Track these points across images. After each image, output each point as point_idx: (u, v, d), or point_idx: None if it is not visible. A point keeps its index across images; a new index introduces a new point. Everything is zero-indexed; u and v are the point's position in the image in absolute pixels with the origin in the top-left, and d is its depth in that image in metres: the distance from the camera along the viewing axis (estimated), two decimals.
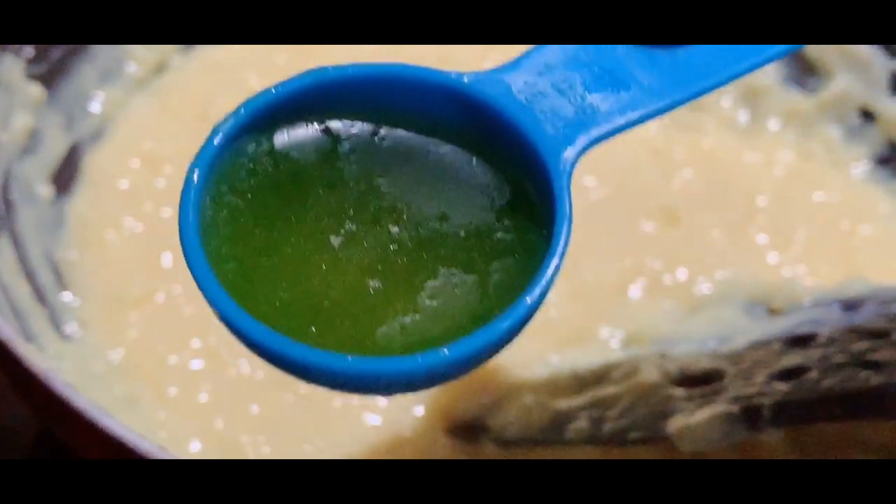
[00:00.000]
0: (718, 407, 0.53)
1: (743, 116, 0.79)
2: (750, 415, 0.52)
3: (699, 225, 0.72)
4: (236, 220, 0.38)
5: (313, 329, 0.37)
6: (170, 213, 0.69)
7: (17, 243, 0.64)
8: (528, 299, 0.36)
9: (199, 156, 0.38)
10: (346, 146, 0.40)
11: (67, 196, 0.69)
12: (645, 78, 0.40)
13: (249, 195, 0.39)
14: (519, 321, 0.36)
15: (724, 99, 0.79)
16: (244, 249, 0.38)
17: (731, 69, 0.42)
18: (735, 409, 0.52)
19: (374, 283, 0.38)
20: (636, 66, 0.41)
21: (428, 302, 0.37)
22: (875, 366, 0.52)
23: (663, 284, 0.68)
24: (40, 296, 0.64)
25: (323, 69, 0.40)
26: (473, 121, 0.40)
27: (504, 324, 0.36)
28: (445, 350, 0.35)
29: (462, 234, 0.39)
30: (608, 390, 0.58)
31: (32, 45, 0.69)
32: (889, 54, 0.77)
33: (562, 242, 0.37)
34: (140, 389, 0.61)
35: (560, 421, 0.59)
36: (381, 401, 0.62)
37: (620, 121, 0.40)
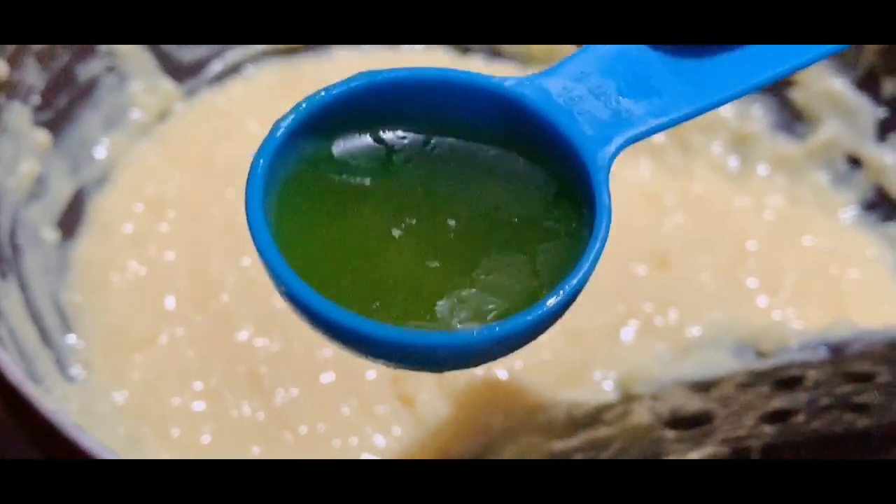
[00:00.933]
0: (708, 449, 0.54)
1: (733, 162, 0.81)
2: (739, 456, 0.53)
3: (690, 268, 0.73)
4: (303, 213, 0.41)
5: (375, 306, 0.39)
6: (173, 256, 0.70)
7: (23, 286, 0.65)
8: (573, 281, 0.39)
9: (262, 148, 0.41)
10: (400, 156, 0.43)
11: (72, 240, 0.70)
12: (676, 84, 0.43)
13: (315, 194, 0.42)
14: (564, 301, 0.39)
15: (715, 145, 0.81)
16: (309, 241, 0.41)
17: (757, 77, 0.44)
18: (725, 450, 0.54)
19: (432, 267, 0.40)
20: (668, 73, 0.43)
21: (481, 284, 0.40)
22: (861, 408, 0.53)
23: (655, 327, 0.69)
24: (46, 338, 0.65)
25: (373, 72, 0.42)
26: (515, 122, 0.43)
27: (550, 302, 0.39)
28: (497, 327, 0.38)
29: (512, 224, 0.42)
30: (601, 432, 0.59)
31: (39, 93, 0.70)
32: (875, 102, 0.78)
33: (602, 230, 0.40)
34: (144, 430, 0.62)
35: None
36: (378, 442, 0.63)
37: (653, 123, 0.42)
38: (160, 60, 0.79)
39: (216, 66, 0.81)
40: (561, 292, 0.39)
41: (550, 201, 0.42)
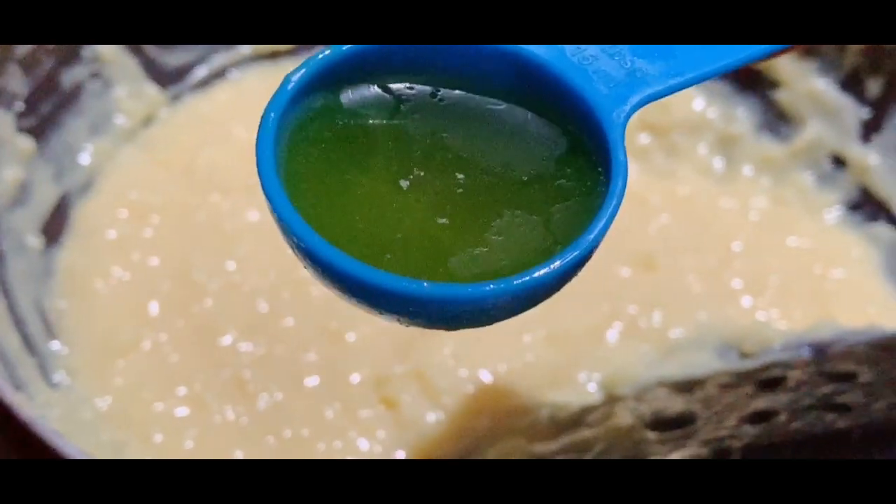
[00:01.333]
0: (690, 450, 0.54)
1: (718, 163, 0.81)
2: (720, 457, 0.53)
3: (676, 270, 0.73)
4: (312, 165, 0.41)
5: (388, 257, 0.39)
6: (157, 261, 0.71)
7: (6, 293, 0.65)
8: (590, 237, 0.39)
9: (272, 100, 0.41)
10: (407, 106, 0.43)
11: (57, 246, 0.70)
12: (690, 47, 0.43)
13: (323, 145, 0.41)
14: (582, 256, 0.39)
15: (700, 146, 0.81)
16: (320, 190, 0.40)
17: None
18: (706, 451, 0.54)
19: (443, 220, 0.40)
20: None
21: (494, 238, 0.40)
22: (842, 408, 0.54)
23: (639, 328, 0.69)
24: (29, 345, 0.65)
25: None
26: (529, 81, 0.42)
27: (567, 257, 0.38)
28: (514, 280, 0.38)
29: (524, 179, 0.41)
30: (584, 434, 0.60)
31: (23, 100, 0.70)
32: (859, 102, 0.79)
33: (619, 186, 0.40)
34: (127, 436, 0.62)
35: None
36: (362, 446, 0.63)
37: (669, 82, 0.42)
38: (145, 66, 0.79)
39: (201, 72, 0.81)
40: (577, 250, 0.38)
41: (561, 159, 0.42)
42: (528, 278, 0.38)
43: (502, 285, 0.38)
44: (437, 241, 0.40)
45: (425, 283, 0.38)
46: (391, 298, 0.38)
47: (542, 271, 0.38)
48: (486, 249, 0.40)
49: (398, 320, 0.40)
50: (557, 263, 0.38)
